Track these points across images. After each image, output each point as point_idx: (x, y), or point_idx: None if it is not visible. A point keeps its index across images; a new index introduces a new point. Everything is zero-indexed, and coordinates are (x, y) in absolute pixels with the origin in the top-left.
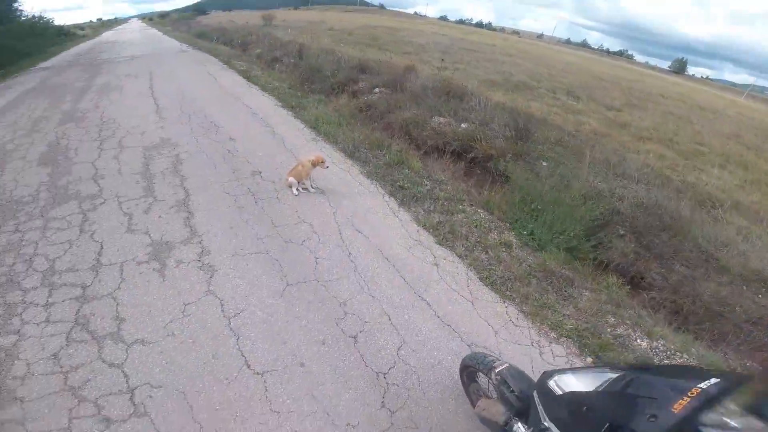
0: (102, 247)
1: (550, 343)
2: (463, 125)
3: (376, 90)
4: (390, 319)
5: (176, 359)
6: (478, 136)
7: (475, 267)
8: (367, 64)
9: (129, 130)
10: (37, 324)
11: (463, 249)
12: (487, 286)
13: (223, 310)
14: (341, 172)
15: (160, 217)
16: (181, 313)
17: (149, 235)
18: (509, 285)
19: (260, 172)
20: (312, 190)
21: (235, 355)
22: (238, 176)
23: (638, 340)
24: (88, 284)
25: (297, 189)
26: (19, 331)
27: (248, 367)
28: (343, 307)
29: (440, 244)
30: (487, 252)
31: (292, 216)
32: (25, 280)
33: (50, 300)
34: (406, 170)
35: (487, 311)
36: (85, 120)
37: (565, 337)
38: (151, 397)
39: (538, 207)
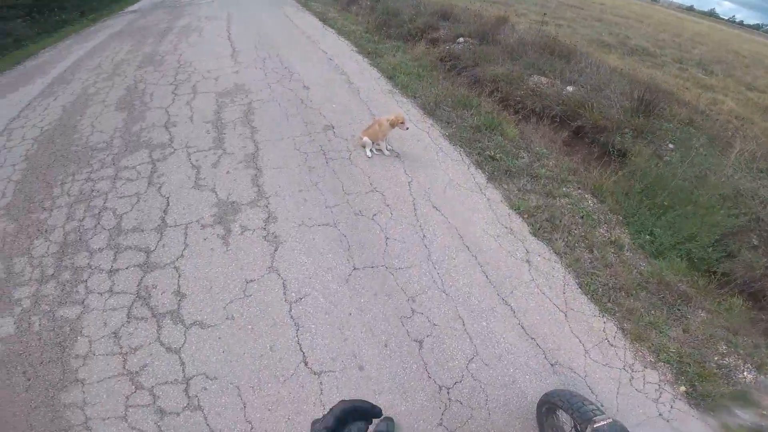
0: (168, 204)
1: (645, 368)
2: (569, 88)
3: (461, 39)
4: (464, 324)
5: (234, 348)
6: (589, 104)
7: (575, 269)
8: (450, 11)
9: (204, 75)
10: (101, 294)
11: (563, 245)
12: (585, 294)
13: (285, 293)
14: (419, 133)
15: (228, 172)
16: (242, 292)
17: (216, 192)
18: (612, 296)
19: (333, 127)
20: (387, 152)
21: (293, 349)
22: (310, 130)
23: (745, 372)
24: (152, 249)
25: (371, 150)
26: (83, 302)
27: (306, 364)
28: (411, 304)
29: (535, 236)
30: (591, 251)
31: (363, 182)
32: (93, 239)
33: (114, 266)
34: (498, 137)
35: (581, 326)
36: (163, 63)
37: (664, 362)
38: (205, 389)
39: (664, 203)
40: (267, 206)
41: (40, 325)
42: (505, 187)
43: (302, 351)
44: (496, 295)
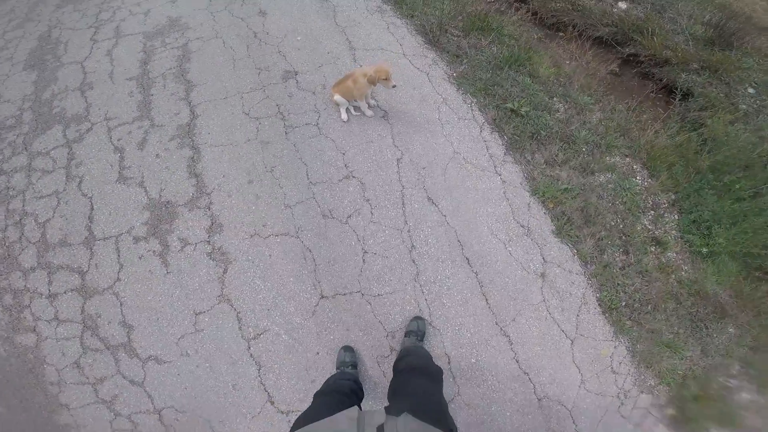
0: (92, 208)
1: (641, 392)
2: (621, 4)
3: None
4: (449, 363)
5: (195, 385)
6: (648, 28)
7: (599, 280)
8: None
9: (131, 9)
10: (48, 322)
11: (593, 246)
12: (604, 313)
13: (240, 328)
14: (417, 76)
15: (157, 156)
16: (192, 326)
17: (145, 188)
18: (636, 313)
19: (296, 74)
20: (369, 113)
21: (257, 389)
22: (264, 81)
23: (743, 393)
24: (84, 269)
25: (346, 113)
26: (35, 329)
27: (272, 404)
28: (390, 340)
29: (559, 235)
30: (627, 253)
31: (336, 163)
32: (22, 255)
33: (52, 289)
34: (526, 78)
35: (586, 353)
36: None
37: (665, 384)
38: (177, 420)
39: (737, 186)
40: (209, 207)
41: (5, 351)
42: (529, 158)
43: (267, 391)
44: (494, 324)
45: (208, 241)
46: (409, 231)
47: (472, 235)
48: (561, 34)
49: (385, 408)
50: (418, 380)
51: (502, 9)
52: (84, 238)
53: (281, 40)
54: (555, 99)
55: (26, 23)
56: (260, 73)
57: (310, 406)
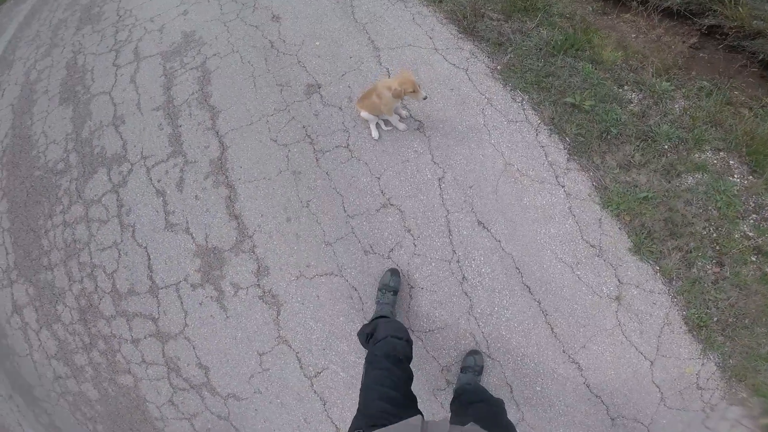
0: (149, 258)
1: (730, 405)
2: None
3: None
4: (512, 392)
5: (273, 419)
6: None
7: (686, 298)
8: None
9: (146, 27)
10: (138, 364)
11: (679, 261)
12: (691, 332)
13: (302, 367)
14: (453, 73)
15: (196, 197)
16: (259, 365)
17: (191, 234)
18: (730, 329)
19: (319, 87)
20: (401, 126)
21: (326, 422)
22: (287, 99)
23: None
24: (156, 316)
25: (376, 129)
26: (130, 371)
27: None
28: (445, 374)
29: (637, 253)
30: (720, 265)
31: (371, 189)
32: (101, 305)
33: (133, 335)
34: (586, 65)
35: (668, 373)
36: (101, 19)
37: (759, 396)
38: None
39: None
40: (253, 251)
41: (113, 391)
42: (598, 163)
43: (334, 424)
44: (561, 352)
45: (258, 285)
46: (458, 261)
47: (532, 260)
48: (622, 6)
49: (450, 419)
50: (479, 405)
51: None
52: (148, 287)
53: (299, 48)
54: (625, 87)
55: (52, 50)
56: (282, 89)
57: (369, 374)
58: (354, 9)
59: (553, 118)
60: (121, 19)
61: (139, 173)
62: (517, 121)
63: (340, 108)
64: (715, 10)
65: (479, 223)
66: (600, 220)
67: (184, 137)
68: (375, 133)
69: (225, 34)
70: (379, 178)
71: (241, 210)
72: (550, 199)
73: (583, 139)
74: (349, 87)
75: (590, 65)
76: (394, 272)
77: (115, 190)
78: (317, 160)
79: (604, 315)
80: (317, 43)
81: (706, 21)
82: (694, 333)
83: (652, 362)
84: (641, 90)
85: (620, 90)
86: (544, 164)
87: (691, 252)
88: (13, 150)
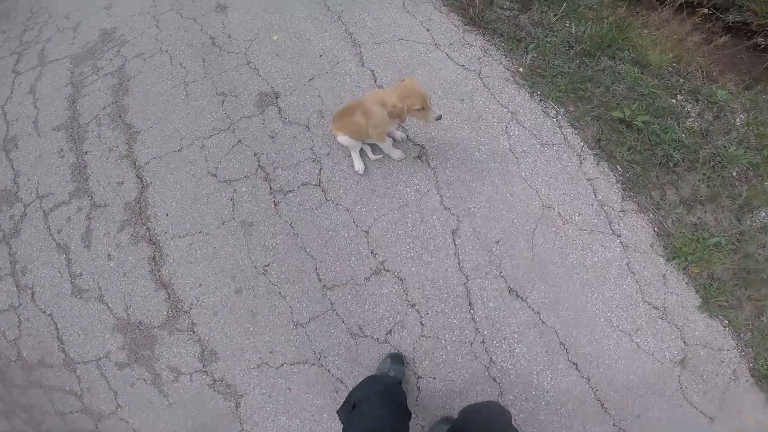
0: (57, 327)
1: None
2: None
3: None
4: None
5: None
6: None
7: (755, 350)
8: None
9: (59, 25)
10: None
11: (750, 312)
12: (756, 383)
13: None
14: (462, 77)
15: (109, 257)
16: None
17: (107, 304)
18: None
19: (276, 96)
20: (396, 155)
21: None
22: (231, 114)
23: None
24: (79, 392)
25: (360, 158)
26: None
27: None
28: None
29: (707, 310)
30: None
31: (357, 248)
32: (9, 372)
33: (57, 409)
34: (632, 69)
35: (727, 426)
36: (10, 16)
37: None
38: None
39: None
40: (193, 329)
41: None
42: (658, 201)
43: None
44: (612, 425)
45: (205, 371)
46: (483, 342)
47: (581, 332)
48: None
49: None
50: None
51: None
52: (62, 360)
53: (250, 45)
54: (679, 97)
55: None
56: (225, 101)
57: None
58: None
59: (599, 139)
60: (33, 17)
61: (34, 219)
62: (553, 144)
63: (306, 127)
64: (741, 6)
65: (510, 291)
66: (664, 276)
67: (90, 169)
68: (359, 165)
69: (153, 29)
70: (367, 232)
71: (171, 277)
72: (604, 254)
73: (639, 167)
74: (319, 96)
75: (636, 69)
76: (396, 358)
77: (5, 241)
78: (276, 204)
79: (665, 381)
80: (275, 38)
81: (730, 17)
82: (761, 383)
83: (712, 419)
84: (697, 100)
85: (674, 100)
86: (593, 206)
87: (762, 300)
88: None
